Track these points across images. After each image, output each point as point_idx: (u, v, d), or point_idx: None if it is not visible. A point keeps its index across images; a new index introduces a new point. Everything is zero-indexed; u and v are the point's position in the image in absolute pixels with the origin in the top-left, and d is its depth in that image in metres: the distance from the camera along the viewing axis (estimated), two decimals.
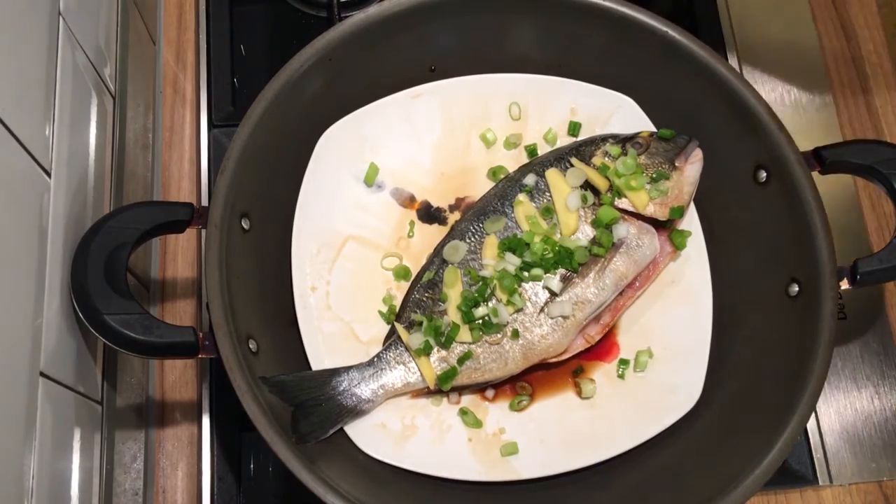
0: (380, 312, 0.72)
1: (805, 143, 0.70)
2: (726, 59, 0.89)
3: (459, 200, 0.76)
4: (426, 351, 0.68)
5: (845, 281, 0.67)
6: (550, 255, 0.69)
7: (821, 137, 0.81)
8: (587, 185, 0.71)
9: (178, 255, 0.84)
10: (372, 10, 0.72)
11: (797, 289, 0.67)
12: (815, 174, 0.69)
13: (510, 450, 0.68)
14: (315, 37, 0.71)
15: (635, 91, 0.76)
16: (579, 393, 0.71)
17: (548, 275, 0.69)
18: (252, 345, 0.66)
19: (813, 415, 0.77)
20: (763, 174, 0.70)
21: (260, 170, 0.69)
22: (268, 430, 0.60)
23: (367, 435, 0.67)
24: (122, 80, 0.78)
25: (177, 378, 0.80)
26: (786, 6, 0.93)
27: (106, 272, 0.62)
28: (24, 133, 0.57)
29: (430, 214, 0.76)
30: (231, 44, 0.89)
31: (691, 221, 0.73)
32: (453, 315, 0.69)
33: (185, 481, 0.77)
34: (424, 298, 0.70)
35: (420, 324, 0.69)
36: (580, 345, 0.70)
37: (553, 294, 0.69)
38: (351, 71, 0.74)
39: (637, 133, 0.72)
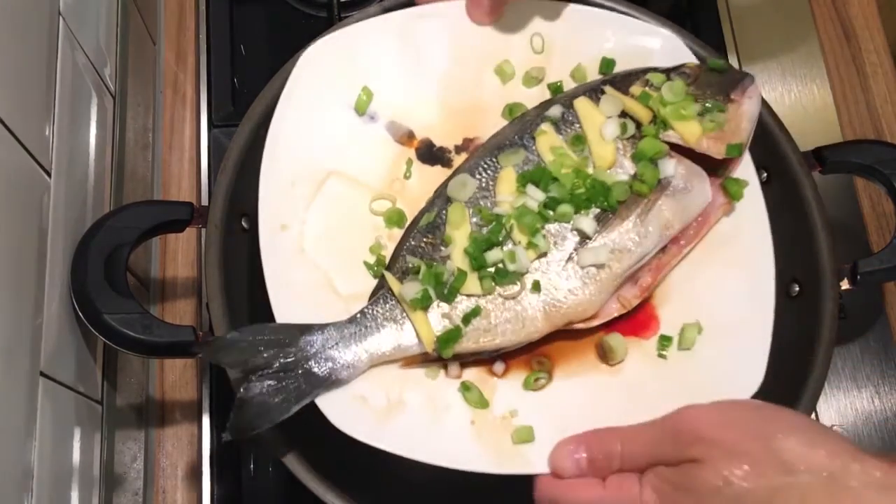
0: (366, 264, 0.61)
1: (805, 143, 0.70)
2: (726, 59, 0.89)
3: (468, 141, 0.66)
4: (424, 304, 0.56)
5: (845, 281, 0.67)
6: (582, 189, 0.58)
7: (821, 137, 0.81)
8: (625, 116, 0.61)
9: (178, 255, 0.83)
10: (372, 10, 0.72)
11: (797, 289, 0.67)
12: (815, 174, 0.69)
13: (524, 436, 0.55)
14: (315, 37, 0.71)
15: None
16: (607, 362, 0.59)
17: (578, 214, 0.58)
18: None
19: (813, 414, 0.77)
20: (763, 174, 0.70)
21: (260, 170, 0.69)
22: (268, 430, 0.60)
23: (342, 407, 0.55)
24: (122, 80, 0.78)
25: (177, 378, 0.80)
26: (786, 6, 0.93)
27: (106, 272, 0.62)
28: (24, 133, 0.57)
29: (431, 154, 0.65)
30: (231, 44, 0.89)
31: (747, 171, 0.63)
32: (459, 260, 0.57)
33: (185, 481, 0.77)
34: (423, 244, 0.59)
35: (417, 271, 0.57)
36: (615, 309, 0.59)
37: (585, 238, 0.58)
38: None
39: (683, 63, 0.64)
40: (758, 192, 0.63)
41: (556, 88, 0.66)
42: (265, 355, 0.54)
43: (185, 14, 0.92)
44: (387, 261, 0.61)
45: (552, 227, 0.58)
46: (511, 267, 0.57)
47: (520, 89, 0.67)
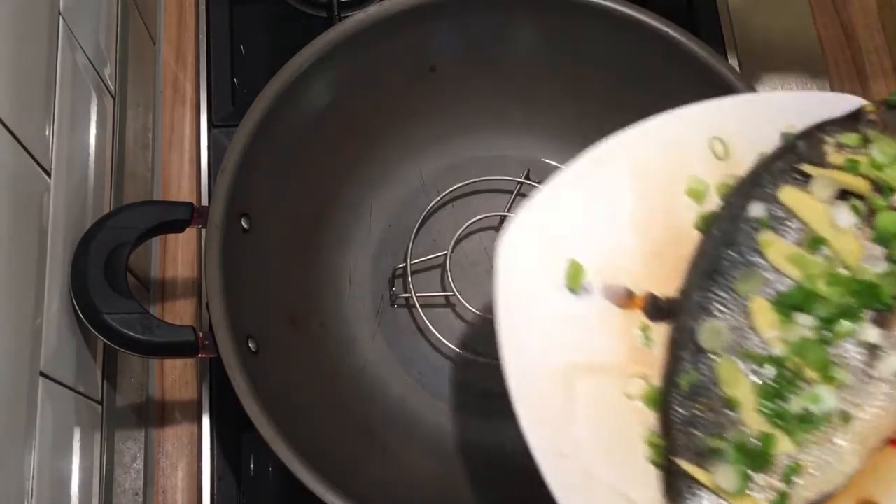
0: (649, 461, 0.53)
1: None
2: (726, 59, 0.89)
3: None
4: (744, 486, 0.49)
5: None
6: (848, 297, 0.51)
7: None
8: (842, 195, 0.55)
9: (178, 255, 0.84)
10: (372, 10, 0.72)
11: None
12: None
13: None
14: (315, 37, 0.71)
15: (634, 92, 0.76)
16: None
17: (856, 325, 0.51)
18: (252, 345, 0.66)
19: None
20: None
21: (260, 170, 0.69)
22: (268, 430, 0.60)
23: None
24: (122, 80, 0.78)
25: (177, 378, 0.80)
26: (786, 6, 0.93)
27: (106, 272, 0.62)
28: (24, 133, 0.57)
29: (660, 309, 0.57)
30: (231, 44, 0.89)
31: None
32: (755, 422, 0.50)
33: (185, 481, 0.77)
34: (697, 412, 0.51)
35: (717, 451, 0.50)
36: None
37: (872, 347, 0.51)
38: (351, 71, 0.74)
39: (856, 110, 0.57)
40: None
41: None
42: None
43: (185, 14, 0.92)
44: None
45: (835, 349, 0.51)
46: (817, 410, 0.50)
47: (716, 202, 0.59)
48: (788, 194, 0.54)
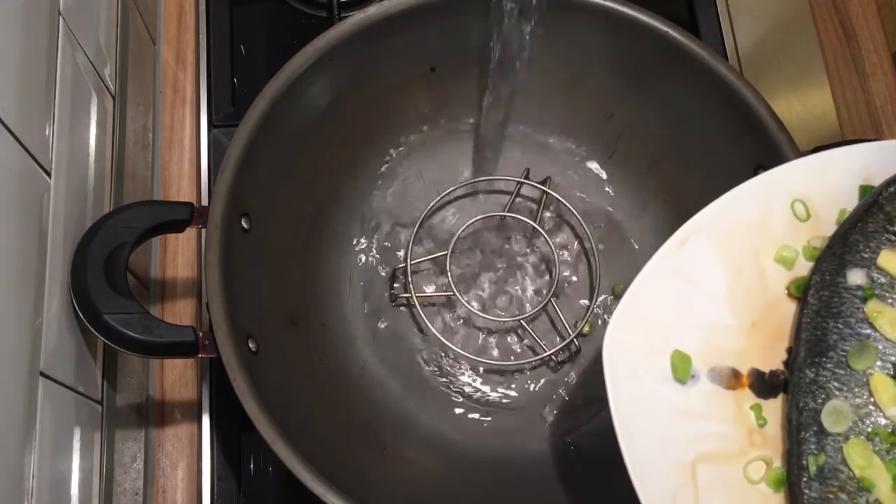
0: None
1: (805, 143, 0.70)
2: (726, 58, 0.89)
3: (791, 350, 0.57)
4: None
5: None
6: None
7: (821, 137, 0.81)
8: None
9: (178, 255, 0.83)
10: (372, 10, 0.72)
11: None
12: None
13: None
14: (315, 37, 0.71)
15: (634, 92, 0.76)
16: None
17: None
18: (252, 345, 0.66)
19: None
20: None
21: (260, 170, 0.69)
22: (268, 430, 0.60)
23: None
24: (122, 80, 0.78)
25: (177, 378, 0.80)
26: (785, 6, 0.93)
27: (106, 272, 0.62)
28: (24, 133, 0.57)
29: (767, 385, 0.56)
30: (231, 44, 0.89)
31: None
32: (892, 500, 0.50)
33: (185, 481, 0.77)
34: (831, 496, 0.50)
35: None
36: None
37: None
38: (351, 71, 0.74)
39: None
40: None
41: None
42: None
43: (185, 14, 0.92)
44: None
45: None
46: None
47: (805, 266, 0.58)
48: (888, 258, 0.53)
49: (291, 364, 0.71)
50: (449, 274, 0.78)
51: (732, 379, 0.56)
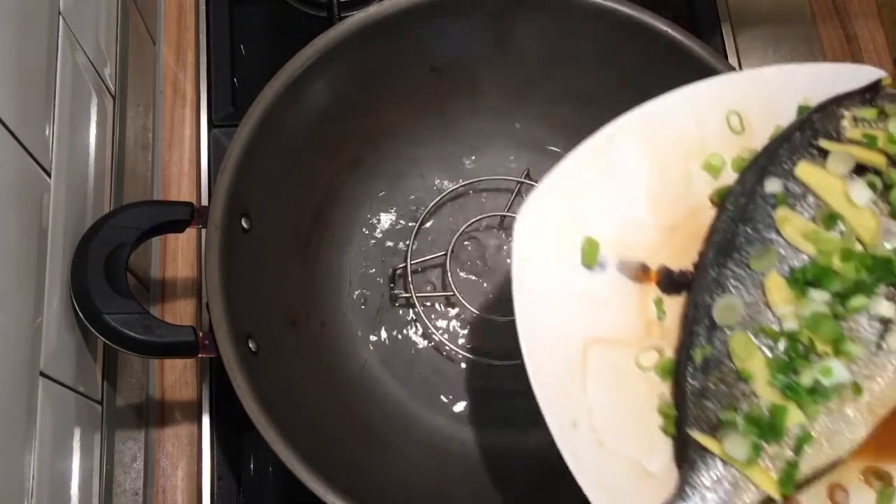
0: (661, 429, 0.54)
1: None
2: (726, 58, 0.89)
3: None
4: (755, 456, 0.50)
5: None
6: (864, 273, 0.52)
7: None
8: (861, 170, 0.55)
9: (178, 255, 0.83)
10: (372, 10, 0.72)
11: None
12: None
13: None
14: (315, 37, 0.71)
15: (633, 91, 0.76)
16: None
17: (870, 300, 0.52)
18: (252, 345, 0.66)
19: None
20: None
21: (260, 170, 0.69)
22: (268, 430, 0.60)
23: None
24: (122, 80, 0.78)
25: (177, 378, 0.80)
26: (785, 6, 0.93)
27: (106, 272, 0.62)
28: (24, 133, 0.57)
29: (674, 282, 0.57)
30: (231, 44, 0.89)
31: None
32: (768, 394, 0.51)
33: (185, 481, 0.77)
34: (711, 385, 0.52)
35: (729, 422, 0.51)
36: None
37: (886, 322, 0.52)
38: (351, 71, 0.74)
39: (873, 83, 0.57)
40: None
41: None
42: None
43: (185, 14, 0.92)
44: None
45: (849, 323, 0.52)
46: (828, 383, 0.51)
47: (732, 176, 0.59)
48: (805, 170, 0.54)
49: (291, 364, 0.71)
50: (449, 274, 0.78)
51: (641, 273, 0.57)
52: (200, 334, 0.63)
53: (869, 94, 0.56)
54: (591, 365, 0.55)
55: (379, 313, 0.80)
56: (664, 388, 0.55)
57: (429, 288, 0.80)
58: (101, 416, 0.69)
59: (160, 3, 0.92)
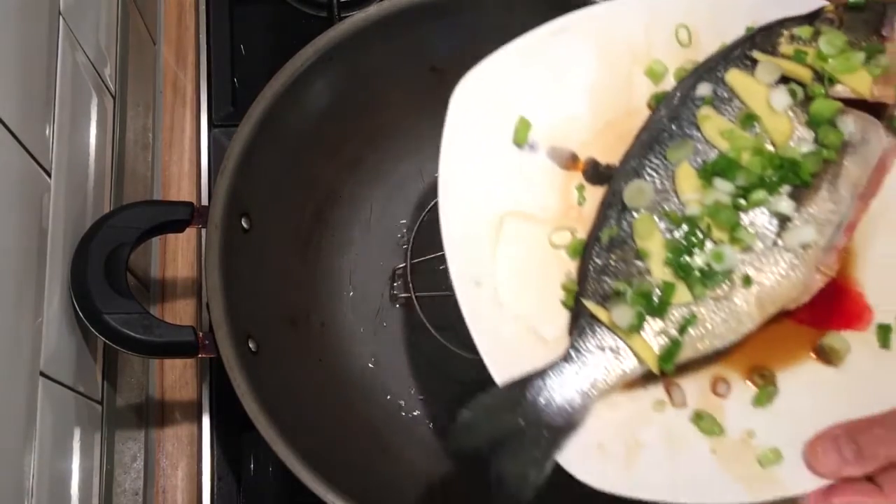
0: (562, 303, 0.58)
1: None
2: None
3: None
4: (639, 326, 0.53)
5: None
6: (770, 170, 0.55)
7: None
8: (786, 81, 0.57)
9: (178, 255, 0.84)
10: (372, 10, 0.72)
11: None
12: None
13: (771, 458, 0.53)
14: (315, 37, 0.71)
15: None
16: (829, 363, 0.56)
17: (773, 196, 0.55)
18: (252, 345, 0.66)
19: None
20: None
21: (260, 169, 0.69)
22: (268, 430, 0.60)
23: (585, 462, 0.53)
24: (122, 80, 0.78)
25: (177, 378, 0.80)
26: None
27: (106, 272, 0.62)
28: (24, 133, 0.57)
29: (599, 174, 0.61)
30: (231, 44, 0.89)
31: None
32: (661, 272, 0.54)
33: (185, 481, 0.77)
34: (612, 262, 0.55)
35: (620, 293, 0.54)
36: (818, 281, 0.56)
37: (785, 219, 0.55)
38: (351, 71, 0.74)
39: (817, 10, 0.59)
40: None
41: None
42: (501, 424, 0.52)
43: (185, 14, 0.92)
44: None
45: (748, 216, 0.55)
46: (718, 267, 0.54)
47: (673, 84, 0.61)
48: (733, 76, 0.57)
49: (291, 364, 0.71)
50: (449, 273, 0.77)
51: (570, 161, 0.61)
52: (200, 334, 0.63)
53: (810, 18, 0.59)
54: (506, 234, 0.59)
55: (379, 313, 0.80)
56: (571, 267, 0.58)
57: (429, 287, 0.80)
58: (101, 416, 0.69)
59: (160, 3, 0.92)
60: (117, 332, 0.61)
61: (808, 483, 0.52)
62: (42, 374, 0.58)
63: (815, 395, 0.55)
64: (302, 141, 0.74)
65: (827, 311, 0.56)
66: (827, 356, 0.56)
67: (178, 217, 0.66)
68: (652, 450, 0.54)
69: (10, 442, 0.54)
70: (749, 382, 0.56)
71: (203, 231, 0.65)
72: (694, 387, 0.55)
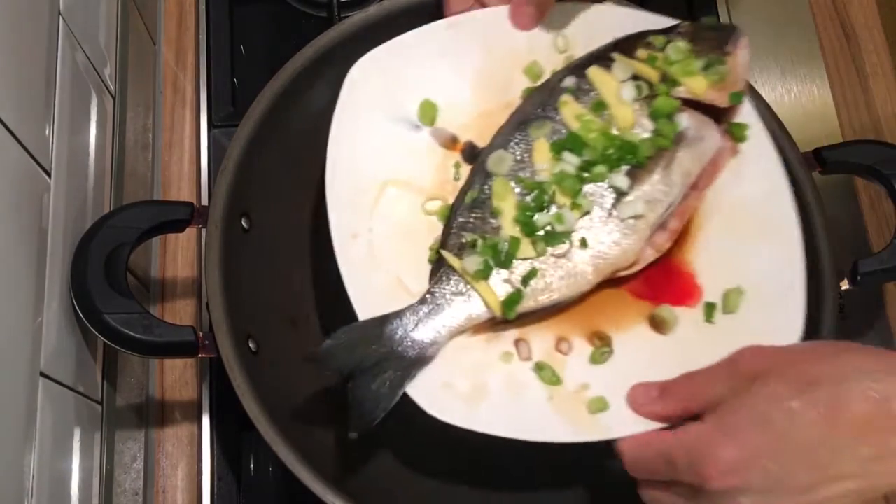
0: (429, 261, 0.65)
1: (805, 144, 0.70)
2: None
3: None
4: (485, 274, 0.61)
5: (845, 281, 0.67)
6: (612, 150, 0.63)
7: (821, 138, 0.81)
8: (636, 79, 0.66)
9: (178, 255, 0.84)
10: (372, 10, 0.72)
11: None
12: (815, 174, 0.69)
13: (599, 406, 0.60)
14: (315, 37, 0.71)
15: None
16: (660, 332, 0.64)
17: (612, 172, 0.63)
18: (252, 345, 0.66)
19: None
20: None
21: (260, 169, 0.69)
22: (268, 430, 0.60)
23: (433, 396, 0.60)
24: (122, 80, 0.78)
25: (177, 378, 0.80)
26: (785, 6, 0.93)
27: (106, 272, 0.62)
28: (24, 133, 0.57)
29: (474, 155, 0.68)
30: (231, 44, 0.89)
31: (748, 116, 0.67)
32: (510, 229, 0.62)
33: (185, 481, 0.77)
34: (472, 220, 0.63)
35: (473, 245, 0.62)
36: (651, 254, 0.64)
37: (621, 193, 0.63)
38: None
39: (677, 24, 0.68)
40: (770, 151, 0.66)
41: None
42: (361, 353, 0.59)
43: (185, 14, 0.92)
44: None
45: (590, 187, 0.63)
46: (559, 228, 0.62)
47: None
48: (593, 71, 0.66)
49: (291, 364, 0.71)
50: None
51: (450, 141, 0.69)
52: (200, 334, 0.63)
53: (667, 31, 0.67)
54: (385, 198, 0.66)
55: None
56: (435, 228, 0.66)
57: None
58: (101, 416, 0.69)
59: (160, 3, 0.92)
60: (117, 332, 0.61)
61: (628, 430, 0.58)
62: (42, 374, 0.58)
63: (644, 357, 0.63)
64: (302, 141, 0.74)
65: (663, 288, 0.65)
66: (658, 325, 0.64)
67: (178, 217, 0.66)
68: (495, 392, 0.61)
69: (10, 442, 0.54)
70: (589, 344, 0.63)
71: (203, 231, 0.65)
72: (540, 344, 0.63)
